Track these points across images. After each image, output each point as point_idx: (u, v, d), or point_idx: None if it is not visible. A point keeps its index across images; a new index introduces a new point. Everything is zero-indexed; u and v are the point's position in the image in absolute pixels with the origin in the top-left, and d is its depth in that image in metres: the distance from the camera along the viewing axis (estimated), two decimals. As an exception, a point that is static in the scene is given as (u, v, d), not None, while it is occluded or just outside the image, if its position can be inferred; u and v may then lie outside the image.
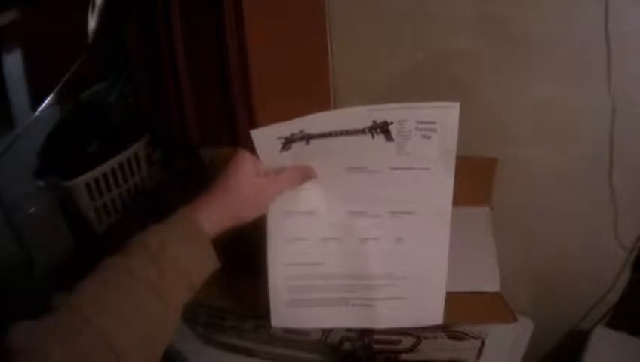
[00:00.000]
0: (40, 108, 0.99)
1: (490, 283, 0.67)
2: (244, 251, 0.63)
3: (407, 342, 0.69)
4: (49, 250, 1.02)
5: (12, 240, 0.97)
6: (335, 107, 0.95)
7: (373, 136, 0.56)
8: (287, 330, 0.71)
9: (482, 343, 0.69)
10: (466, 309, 0.63)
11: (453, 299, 0.63)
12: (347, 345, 0.72)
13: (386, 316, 0.61)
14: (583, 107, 0.76)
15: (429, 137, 0.55)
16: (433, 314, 0.61)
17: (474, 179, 0.79)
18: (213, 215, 0.52)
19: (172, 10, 0.87)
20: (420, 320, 0.62)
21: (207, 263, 0.52)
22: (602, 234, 0.82)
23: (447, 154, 0.57)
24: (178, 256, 0.48)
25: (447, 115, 0.55)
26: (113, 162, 0.97)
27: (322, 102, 0.94)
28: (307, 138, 0.56)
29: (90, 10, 1.04)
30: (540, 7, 0.73)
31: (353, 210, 0.60)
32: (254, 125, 0.66)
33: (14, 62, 0.96)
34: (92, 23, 1.05)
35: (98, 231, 1.00)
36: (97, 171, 0.95)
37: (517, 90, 0.80)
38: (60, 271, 0.99)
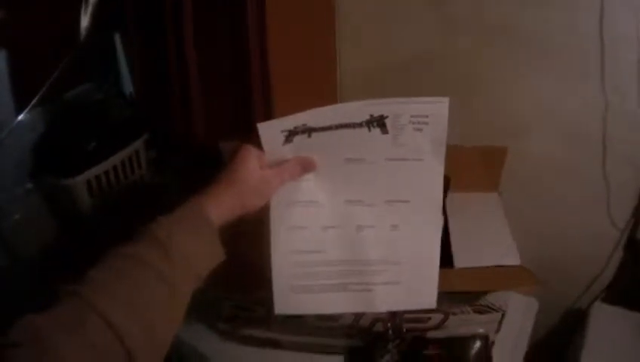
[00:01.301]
0: (25, 110, 1.01)
1: (512, 258, 0.77)
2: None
3: (435, 318, 0.78)
4: (37, 253, 1.02)
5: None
6: (341, 102, 1.04)
7: (369, 129, 0.62)
8: (319, 317, 0.78)
9: (502, 316, 0.79)
10: (496, 279, 0.73)
11: (483, 272, 0.73)
12: (378, 326, 0.79)
13: (383, 300, 0.66)
14: (579, 103, 0.90)
15: (421, 130, 0.61)
16: (427, 297, 0.67)
17: (485, 168, 0.91)
18: (221, 205, 0.57)
19: (185, 8, 0.92)
20: (415, 304, 0.68)
21: (213, 254, 0.56)
22: (597, 217, 0.97)
23: (438, 146, 0.62)
24: (186, 245, 0.53)
25: (438, 108, 0.61)
26: (113, 160, 1.01)
27: (329, 98, 1.02)
28: (309, 131, 0.62)
29: (83, 8, 1.07)
30: (541, 12, 0.87)
31: (351, 199, 0.65)
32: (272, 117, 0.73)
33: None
34: (85, 21, 1.08)
35: (95, 230, 1.02)
36: (98, 169, 0.98)
37: (519, 87, 0.94)
38: (51, 273, 1.00)
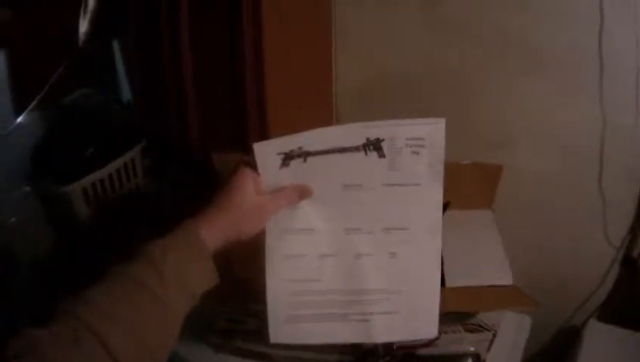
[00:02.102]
0: (24, 113, 1.01)
1: (505, 277, 0.77)
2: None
3: (426, 336, 0.77)
4: (33, 256, 1.03)
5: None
6: (337, 112, 1.04)
7: (366, 153, 0.61)
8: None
9: (494, 335, 0.79)
10: (488, 299, 0.73)
11: (474, 292, 0.73)
12: (369, 343, 0.78)
13: (383, 330, 0.65)
14: (576, 117, 0.90)
15: (418, 153, 0.61)
16: (428, 327, 0.66)
17: (480, 185, 0.90)
18: (216, 229, 0.57)
19: (181, 13, 0.92)
20: (416, 334, 0.68)
21: (207, 276, 0.57)
22: (593, 234, 0.96)
23: (436, 169, 0.62)
24: (180, 268, 0.53)
25: (434, 131, 0.60)
26: (110, 168, 1.02)
27: (325, 108, 1.02)
28: (305, 155, 0.62)
29: (82, 13, 1.07)
30: (539, 23, 0.86)
31: (348, 226, 0.64)
32: (266, 131, 0.71)
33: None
34: (83, 26, 1.08)
35: (91, 237, 1.02)
36: (94, 176, 0.99)
37: (514, 100, 0.93)
38: (46, 277, 1.01)
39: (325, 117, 1.02)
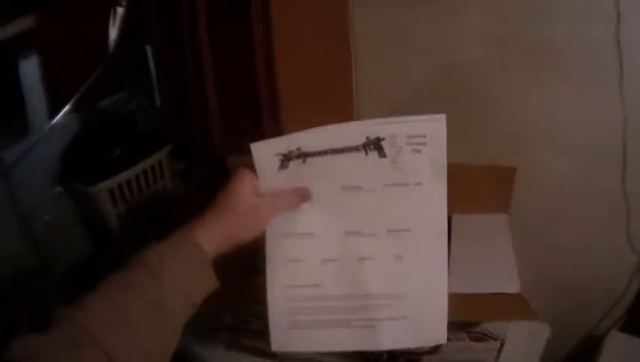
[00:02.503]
0: (58, 116, 1.05)
1: (511, 285, 0.74)
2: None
3: (430, 343, 0.75)
4: (65, 256, 1.07)
5: (28, 247, 1.02)
6: (358, 117, 1.03)
7: (367, 153, 0.59)
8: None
9: (502, 344, 0.76)
10: (489, 308, 0.70)
11: (477, 300, 0.70)
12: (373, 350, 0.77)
13: (389, 337, 0.63)
14: (596, 115, 0.84)
15: (419, 151, 0.59)
16: (436, 333, 0.63)
17: (494, 188, 0.87)
18: (213, 233, 0.56)
19: (199, 21, 0.94)
20: (423, 340, 0.64)
21: (206, 281, 0.56)
22: (615, 240, 0.91)
23: (438, 168, 0.59)
24: (178, 273, 0.52)
25: (435, 127, 0.58)
26: (136, 169, 1.04)
27: (345, 112, 1.00)
28: (304, 156, 0.60)
29: (111, 20, 1.11)
30: (554, 19, 0.81)
31: (350, 229, 0.62)
32: (279, 129, 0.70)
33: (31, 68, 1.02)
34: (113, 33, 1.12)
35: (118, 238, 1.06)
36: (120, 177, 1.02)
37: (532, 99, 0.88)
38: (78, 277, 1.05)
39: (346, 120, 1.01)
